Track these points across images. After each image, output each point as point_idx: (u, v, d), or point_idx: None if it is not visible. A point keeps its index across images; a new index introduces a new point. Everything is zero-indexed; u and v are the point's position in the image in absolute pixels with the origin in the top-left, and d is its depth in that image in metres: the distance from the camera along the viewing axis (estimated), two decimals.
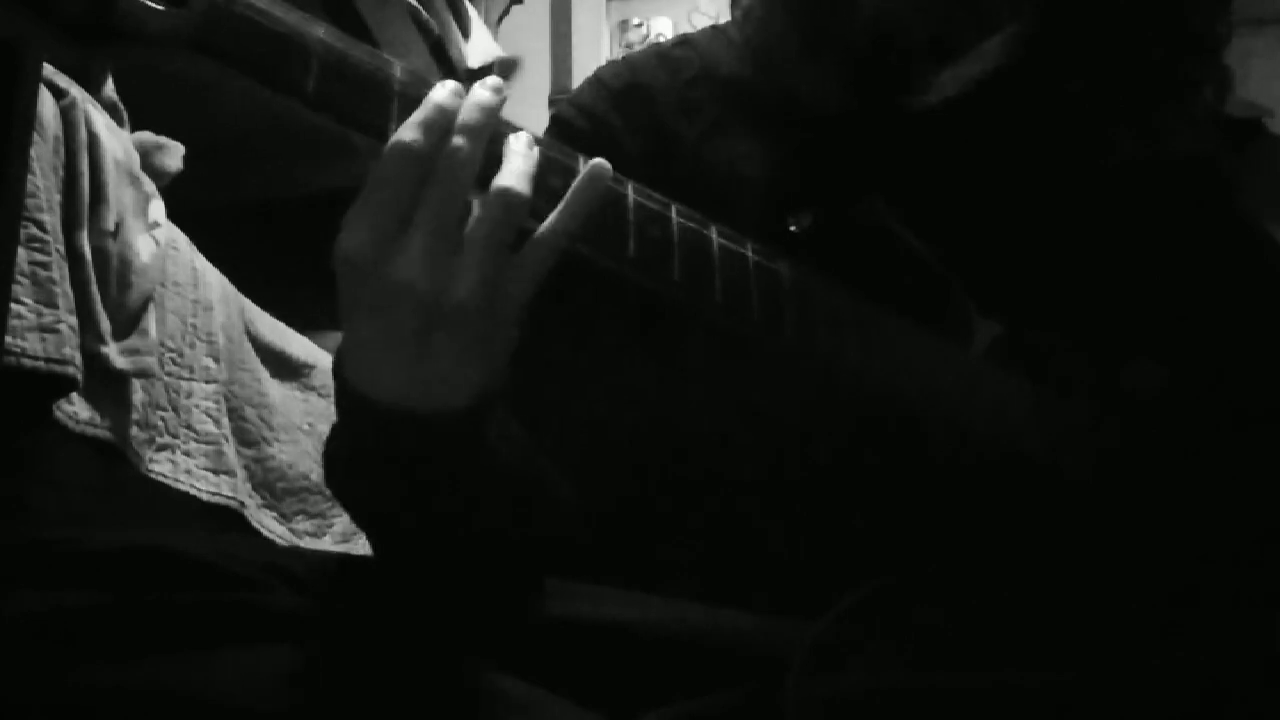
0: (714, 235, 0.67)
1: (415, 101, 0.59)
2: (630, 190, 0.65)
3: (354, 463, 0.66)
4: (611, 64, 0.92)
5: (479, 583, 0.68)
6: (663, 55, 0.91)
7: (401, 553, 0.70)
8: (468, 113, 0.59)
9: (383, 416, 0.61)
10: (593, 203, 0.61)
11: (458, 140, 0.58)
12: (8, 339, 1.04)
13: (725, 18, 0.95)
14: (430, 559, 0.68)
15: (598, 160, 0.62)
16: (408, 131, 0.57)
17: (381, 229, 0.57)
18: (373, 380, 0.60)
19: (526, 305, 0.61)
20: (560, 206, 0.61)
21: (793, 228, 0.75)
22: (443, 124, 0.58)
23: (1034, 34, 0.79)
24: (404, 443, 0.62)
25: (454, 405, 0.61)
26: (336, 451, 0.69)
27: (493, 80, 0.61)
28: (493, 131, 0.60)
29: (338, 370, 0.63)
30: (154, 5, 0.53)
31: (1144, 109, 0.85)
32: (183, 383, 1.45)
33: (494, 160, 0.60)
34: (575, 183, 0.61)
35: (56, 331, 1.12)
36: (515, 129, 0.62)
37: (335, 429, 0.68)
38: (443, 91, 0.59)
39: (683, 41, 0.93)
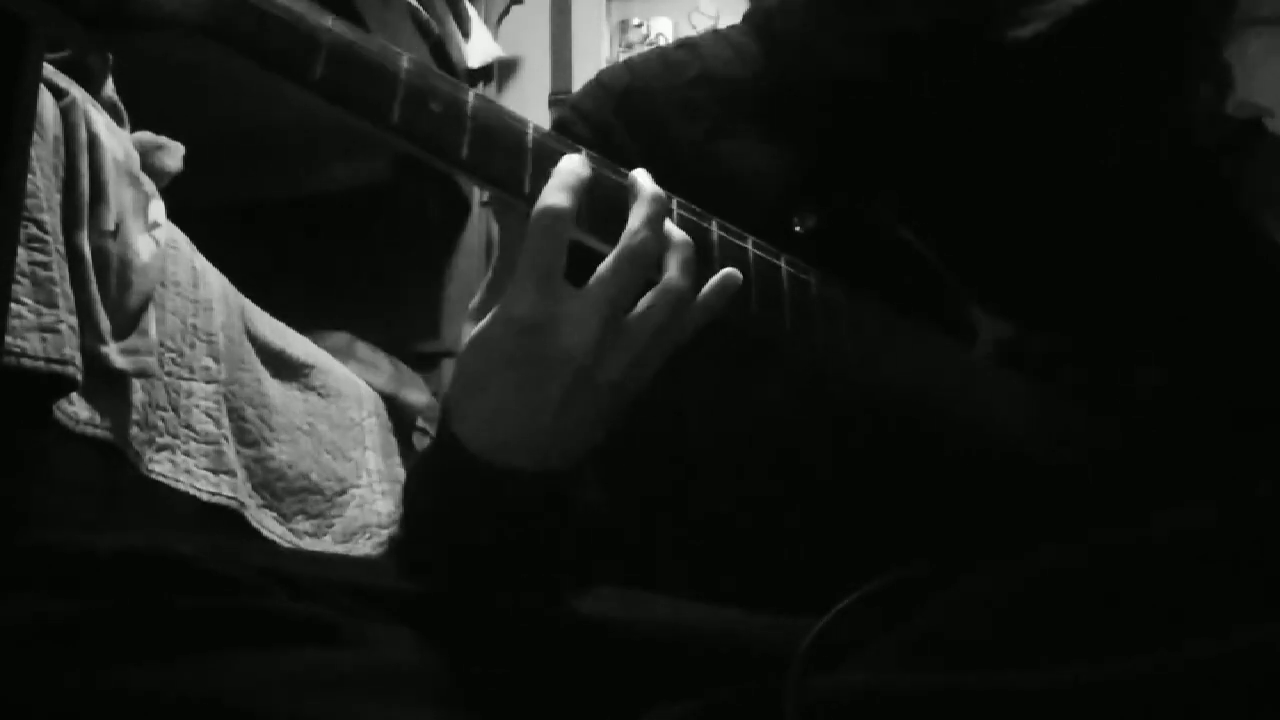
0: (714, 228, 0.68)
1: (420, 91, 0.60)
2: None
3: (450, 516, 0.68)
4: (612, 67, 0.92)
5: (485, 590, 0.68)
6: (664, 57, 0.91)
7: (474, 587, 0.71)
8: (654, 207, 0.62)
9: (496, 473, 0.62)
10: (724, 304, 0.64)
11: (646, 234, 0.61)
12: (8, 339, 1.04)
13: (725, 17, 0.95)
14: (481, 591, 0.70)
15: (730, 271, 0.65)
16: (565, 198, 0.60)
17: (552, 291, 0.60)
18: (502, 441, 0.62)
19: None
20: (698, 304, 0.63)
21: (797, 228, 0.75)
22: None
23: None
24: (513, 502, 0.64)
25: (568, 464, 0.64)
26: (425, 502, 0.70)
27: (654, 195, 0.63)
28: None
29: (448, 429, 0.64)
30: None
31: (1146, 106, 0.85)
32: (183, 383, 1.45)
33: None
34: (711, 283, 0.64)
35: (56, 331, 1.12)
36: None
37: (425, 482, 0.70)
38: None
39: (684, 44, 0.93)
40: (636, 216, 0.62)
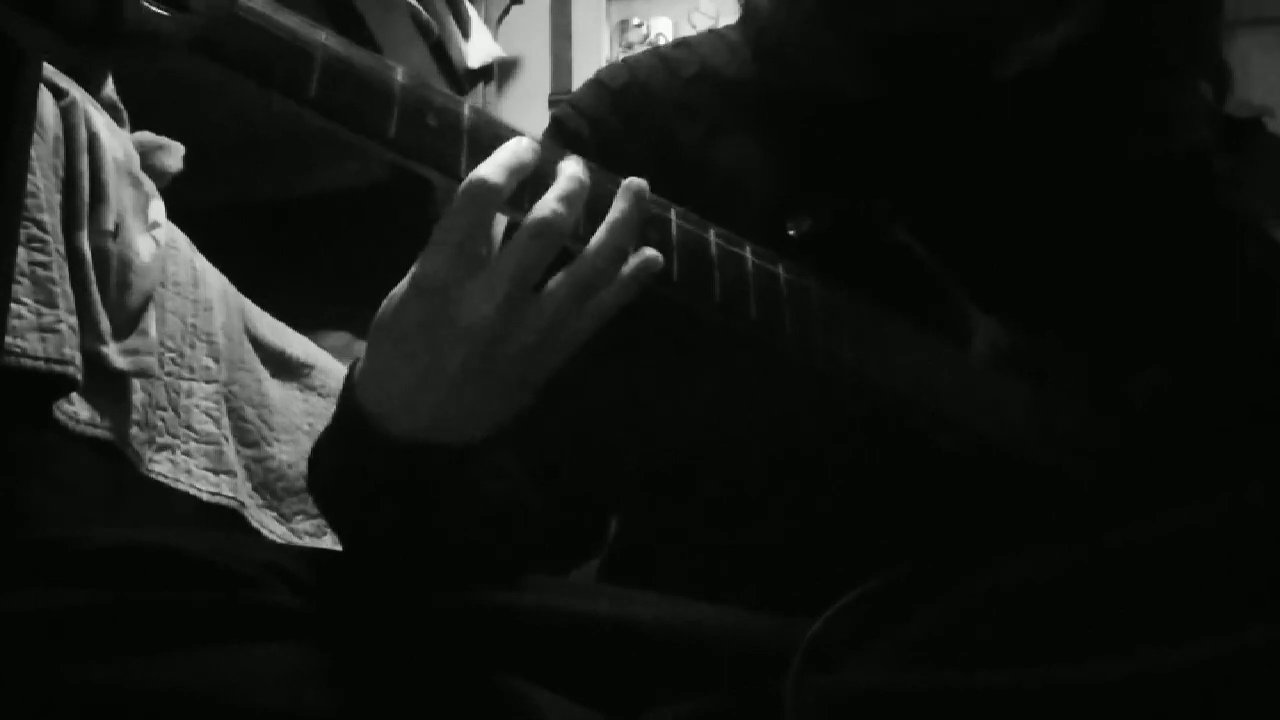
0: (712, 237, 0.67)
1: (416, 106, 0.59)
2: None
3: (347, 481, 0.67)
4: (611, 66, 0.92)
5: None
6: (662, 56, 0.91)
7: (373, 558, 0.70)
8: (569, 185, 0.60)
9: (396, 445, 0.61)
10: (640, 285, 0.62)
11: (556, 207, 0.59)
12: (8, 339, 1.04)
13: (725, 17, 0.95)
14: (401, 566, 0.69)
15: (651, 254, 0.63)
16: (498, 174, 0.58)
17: (464, 262, 0.58)
18: (397, 408, 0.61)
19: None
20: (615, 285, 0.61)
21: (791, 232, 0.75)
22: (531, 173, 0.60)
23: (1105, 11, 0.80)
24: (408, 472, 0.62)
25: (468, 438, 0.62)
26: (327, 462, 0.69)
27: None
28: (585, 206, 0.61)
29: (352, 391, 0.63)
30: (156, 9, 0.53)
31: (1150, 103, 0.85)
32: (183, 383, 1.45)
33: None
34: (631, 262, 0.62)
35: (56, 331, 1.12)
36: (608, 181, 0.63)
37: (329, 441, 0.68)
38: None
39: (682, 44, 0.93)
40: (551, 191, 0.60)
